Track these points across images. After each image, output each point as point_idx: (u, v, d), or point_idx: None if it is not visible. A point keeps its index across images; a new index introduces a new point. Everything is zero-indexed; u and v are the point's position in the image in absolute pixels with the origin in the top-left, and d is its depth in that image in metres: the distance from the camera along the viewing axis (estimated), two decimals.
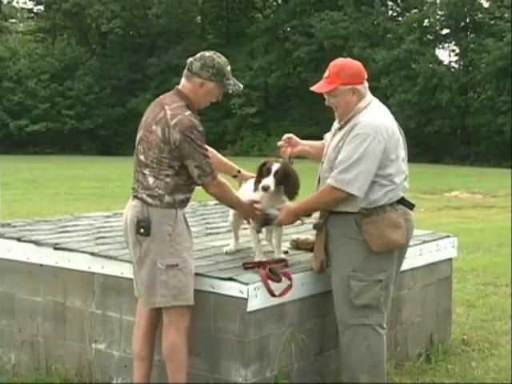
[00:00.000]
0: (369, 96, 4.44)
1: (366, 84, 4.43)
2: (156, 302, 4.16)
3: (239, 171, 4.89)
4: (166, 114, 4.10)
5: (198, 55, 4.27)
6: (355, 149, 4.19)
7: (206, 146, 4.21)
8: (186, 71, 4.26)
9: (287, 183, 4.44)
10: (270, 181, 4.35)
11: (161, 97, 4.30)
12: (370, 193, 4.26)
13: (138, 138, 4.26)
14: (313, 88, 4.43)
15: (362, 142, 4.18)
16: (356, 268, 4.31)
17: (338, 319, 4.43)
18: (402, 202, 4.39)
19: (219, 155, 4.78)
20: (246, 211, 4.51)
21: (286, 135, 4.80)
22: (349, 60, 4.49)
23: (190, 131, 4.05)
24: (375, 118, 4.29)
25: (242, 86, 4.36)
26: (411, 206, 4.44)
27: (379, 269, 4.32)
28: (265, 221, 4.52)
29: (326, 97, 4.43)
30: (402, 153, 4.40)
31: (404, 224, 4.33)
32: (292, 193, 4.47)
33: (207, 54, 4.26)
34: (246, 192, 4.63)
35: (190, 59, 4.26)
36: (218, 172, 4.33)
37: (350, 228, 4.31)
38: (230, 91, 4.34)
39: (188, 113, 4.11)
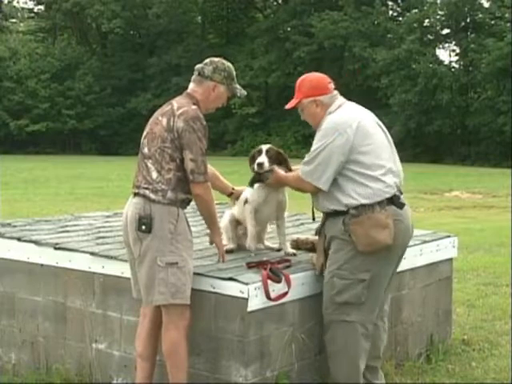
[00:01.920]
0: (338, 101, 4.56)
1: (333, 93, 4.57)
2: (154, 300, 4.17)
3: (233, 188, 4.99)
4: (173, 106, 4.23)
5: (207, 60, 4.41)
6: (317, 143, 4.40)
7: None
8: (196, 76, 4.37)
9: (282, 160, 4.71)
10: (262, 158, 4.60)
11: None
12: (351, 190, 4.35)
13: (144, 134, 4.33)
14: (286, 106, 4.70)
15: (322, 137, 4.39)
16: (341, 266, 4.39)
17: (323, 315, 4.51)
18: (395, 202, 4.39)
19: (217, 172, 4.84)
20: (217, 231, 4.44)
21: None
22: (310, 74, 4.72)
23: (194, 121, 4.13)
24: (338, 116, 4.44)
25: (245, 92, 4.53)
26: (401, 205, 4.43)
27: (363, 268, 4.36)
28: (259, 178, 4.65)
29: (299, 112, 4.68)
30: (382, 149, 4.43)
31: (392, 225, 4.33)
32: (290, 168, 4.73)
33: (215, 59, 4.43)
34: (246, 191, 4.79)
35: (200, 65, 4.39)
36: (214, 189, 4.47)
37: (338, 228, 4.41)
38: (238, 94, 4.46)
39: (194, 107, 4.22)
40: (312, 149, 4.42)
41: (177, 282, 4.12)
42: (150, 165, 4.20)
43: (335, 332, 4.45)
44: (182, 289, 4.13)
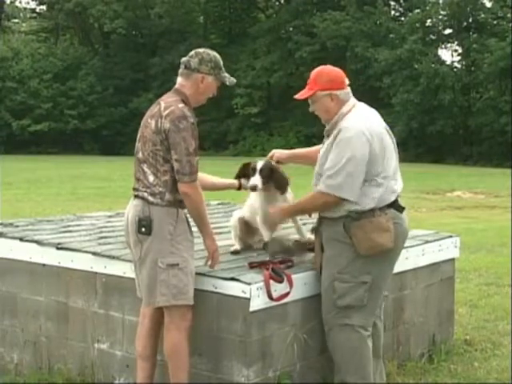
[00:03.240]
0: (352, 100, 4.49)
1: (347, 90, 4.49)
2: (156, 302, 4.17)
3: (240, 183, 4.82)
4: (161, 107, 4.18)
5: (192, 53, 4.34)
6: (341, 153, 4.25)
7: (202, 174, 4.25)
8: (183, 70, 4.31)
9: (274, 179, 4.63)
10: (256, 180, 4.55)
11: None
12: (358, 198, 4.30)
13: (138, 138, 4.31)
14: (296, 96, 4.56)
15: (346, 147, 4.25)
16: (341, 270, 4.37)
17: (323, 320, 4.49)
18: (394, 205, 4.38)
19: (213, 178, 4.75)
20: (208, 233, 4.29)
21: (270, 153, 4.94)
22: (328, 67, 4.59)
23: (179, 121, 4.08)
24: (357, 122, 4.33)
25: (235, 80, 4.44)
26: (401, 209, 4.42)
27: (364, 271, 4.35)
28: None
29: (309, 103, 4.55)
30: (391, 155, 4.40)
31: (393, 228, 4.33)
32: (282, 187, 4.66)
33: (200, 50, 4.37)
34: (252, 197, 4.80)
35: (185, 58, 4.34)
36: (219, 189, 4.54)
37: (338, 231, 4.37)
38: (227, 83, 4.41)
39: (181, 105, 4.16)
40: (334, 160, 4.26)
41: (178, 284, 4.12)
42: (145, 169, 4.18)
43: (338, 336, 4.43)
44: (184, 290, 4.13)
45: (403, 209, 4.45)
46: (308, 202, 4.50)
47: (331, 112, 4.44)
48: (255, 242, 4.99)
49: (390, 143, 4.44)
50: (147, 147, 4.17)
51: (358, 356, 4.40)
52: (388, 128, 4.52)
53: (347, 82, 4.51)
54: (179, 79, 4.33)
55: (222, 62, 4.36)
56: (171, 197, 4.14)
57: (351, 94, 4.51)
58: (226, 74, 4.38)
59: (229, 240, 5.01)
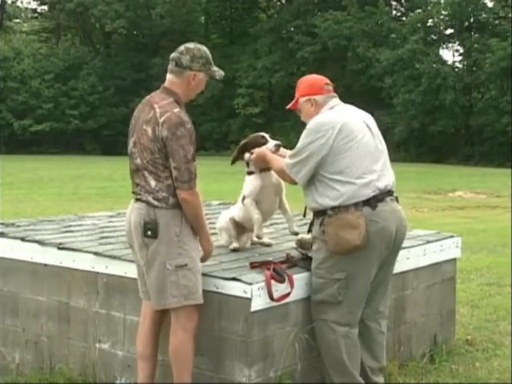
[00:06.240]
0: (333, 102, 4.61)
1: (330, 94, 4.63)
2: (167, 303, 4.15)
3: None
4: (156, 112, 4.11)
5: (183, 49, 4.26)
6: (301, 141, 4.48)
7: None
8: (173, 67, 4.25)
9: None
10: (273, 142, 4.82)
11: (148, 96, 4.30)
12: (323, 191, 4.38)
13: (132, 141, 4.23)
14: (287, 106, 4.87)
15: (306, 136, 4.46)
16: (318, 265, 4.45)
17: None
18: (370, 203, 4.33)
19: None
20: (204, 235, 4.27)
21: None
22: (310, 75, 4.88)
23: (177, 128, 4.04)
24: (323, 117, 4.49)
25: (223, 73, 4.40)
26: (374, 206, 4.34)
27: (338, 268, 4.38)
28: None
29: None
30: (366, 153, 4.39)
31: (363, 225, 4.27)
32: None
33: (191, 46, 4.31)
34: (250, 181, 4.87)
35: (175, 54, 4.26)
36: None
37: (318, 228, 4.47)
38: (217, 77, 4.37)
39: (177, 109, 4.11)
40: (297, 145, 4.48)
41: (188, 284, 4.11)
42: (146, 174, 4.14)
43: (318, 331, 4.50)
44: (193, 289, 4.13)
45: (376, 206, 4.33)
46: (277, 165, 4.64)
47: (311, 116, 4.56)
48: (244, 242, 5.02)
49: (365, 140, 4.43)
50: (145, 155, 4.12)
51: (332, 351, 4.44)
52: (372, 125, 4.56)
53: (329, 88, 4.65)
54: (170, 76, 4.26)
55: (211, 56, 4.32)
56: (175, 200, 4.11)
57: (334, 98, 4.63)
58: (215, 68, 4.34)
59: (223, 240, 5.01)
